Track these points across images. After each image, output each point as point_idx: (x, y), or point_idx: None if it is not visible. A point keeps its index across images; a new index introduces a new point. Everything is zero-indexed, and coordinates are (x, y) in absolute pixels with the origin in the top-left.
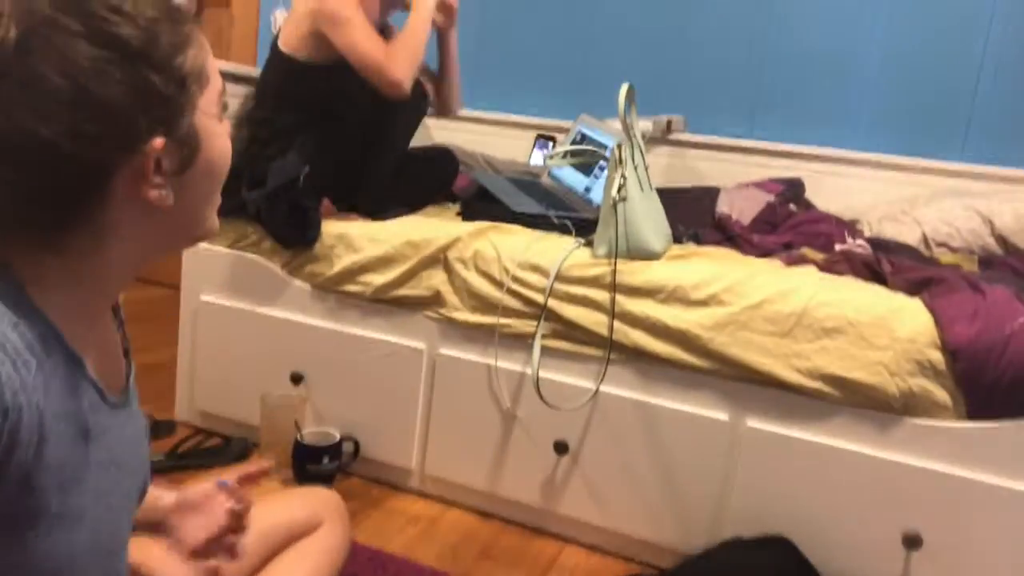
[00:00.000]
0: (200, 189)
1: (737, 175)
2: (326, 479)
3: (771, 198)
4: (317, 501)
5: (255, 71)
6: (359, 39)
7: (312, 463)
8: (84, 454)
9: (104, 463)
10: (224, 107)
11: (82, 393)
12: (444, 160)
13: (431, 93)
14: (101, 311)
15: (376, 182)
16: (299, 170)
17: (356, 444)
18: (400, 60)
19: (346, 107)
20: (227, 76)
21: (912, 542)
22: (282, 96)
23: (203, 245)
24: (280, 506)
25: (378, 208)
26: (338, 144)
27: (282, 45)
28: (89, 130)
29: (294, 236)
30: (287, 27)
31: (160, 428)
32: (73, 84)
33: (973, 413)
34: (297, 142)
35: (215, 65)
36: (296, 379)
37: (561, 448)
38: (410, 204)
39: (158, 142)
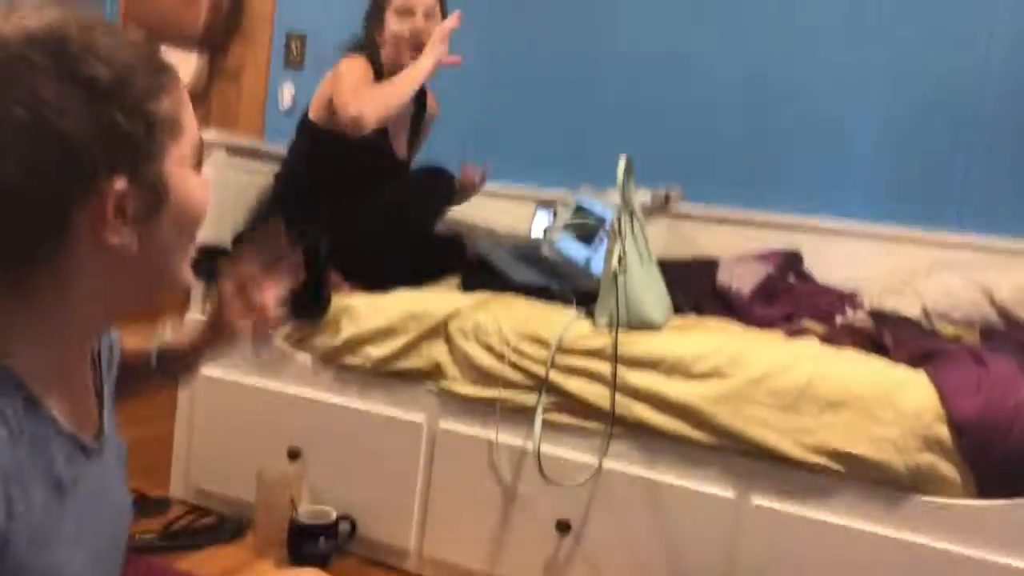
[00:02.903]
0: (169, 239)
1: (736, 246)
2: (322, 560)
3: (771, 269)
4: None
5: (262, 144)
6: (343, 87)
7: (308, 543)
8: (60, 510)
9: (83, 512)
10: (199, 160)
11: (55, 449)
12: (454, 246)
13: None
14: (72, 362)
15: (393, 262)
16: (319, 243)
17: (353, 523)
18: (369, 98)
19: (375, 179)
20: (234, 149)
21: None
22: (311, 167)
23: (205, 317)
24: None
25: (387, 286)
26: (361, 219)
27: (311, 116)
28: (45, 163)
29: (306, 309)
30: (314, 99)
31: (153, 506)
32: (34, 116)
33: (983, 489)
34: (321, 213)
35: (192, 115)
36: (293, 454)
37: (563, 527)
38: (415, 284)
39: (119, 184)
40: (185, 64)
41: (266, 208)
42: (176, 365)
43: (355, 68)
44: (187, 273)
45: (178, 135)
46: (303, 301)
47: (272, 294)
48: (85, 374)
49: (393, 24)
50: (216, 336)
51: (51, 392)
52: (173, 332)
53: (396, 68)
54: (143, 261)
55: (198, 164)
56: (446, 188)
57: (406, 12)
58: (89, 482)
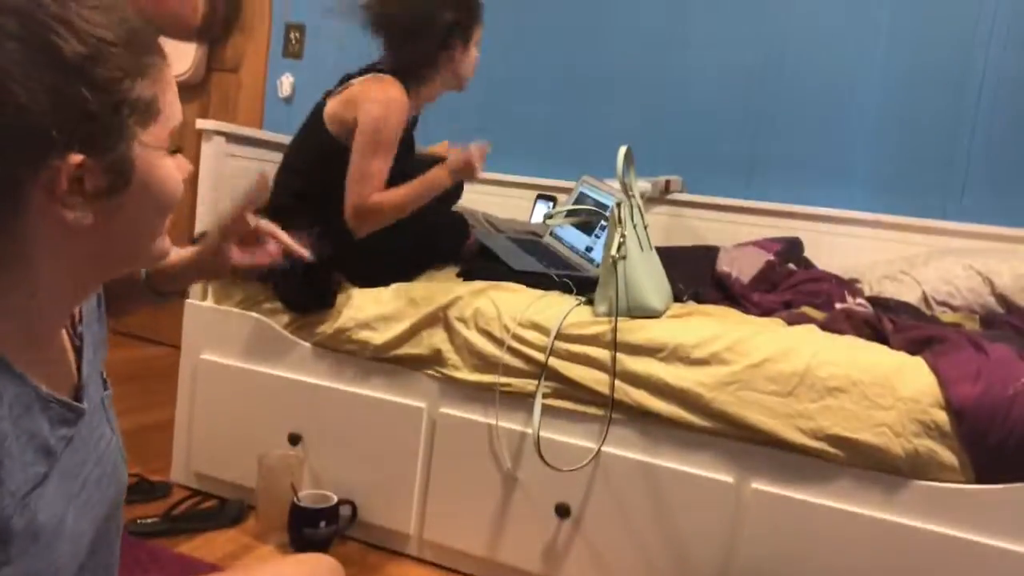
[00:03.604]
0: (134, 219)
1: (735, 234)
2: (323, 544)
3: (770, 257)
4: (315, 569)
5: (261, 133)
6: (363, 162)
7: (309, 527)
8: (47, 472)
9: (72, 470)
10: (178, 149)
11: (38, 413)
12: (456, 227)
13: None
14: (48, 333)
15: (394, 266)
16: (323, 250)
17: (353, 507)
18: (376, 214)
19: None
20: (233, 138)
21: None
22: (321, 171)
23: (206, 303)
24: (275, 573)
25: (389, 281)
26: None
27: (327, 118)
28: None
29: (310, 302)
30: (336, 101)
31: (155, 490)
32: None
33: (980, 475)
34: (323, 222)
35: (174, 101)
36: (294, 439)
37: (563, 511)
38: (418, 270)
39: (74, 159)
40: (184, 55)
41: (273, 208)
42: (165, 284)
43: (388, 129)
44: (160, 246)
45: (152, 118)
46: (306, 297)
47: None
48: (62, 338)
49: (472, 55)
50: (202, 267)
51: (27, 359)
52: None
53: (431, 99)
54: (107, 239)
55: (176, 150)
56: (453, 188)
57: (477, 44)
58: (77, 440)
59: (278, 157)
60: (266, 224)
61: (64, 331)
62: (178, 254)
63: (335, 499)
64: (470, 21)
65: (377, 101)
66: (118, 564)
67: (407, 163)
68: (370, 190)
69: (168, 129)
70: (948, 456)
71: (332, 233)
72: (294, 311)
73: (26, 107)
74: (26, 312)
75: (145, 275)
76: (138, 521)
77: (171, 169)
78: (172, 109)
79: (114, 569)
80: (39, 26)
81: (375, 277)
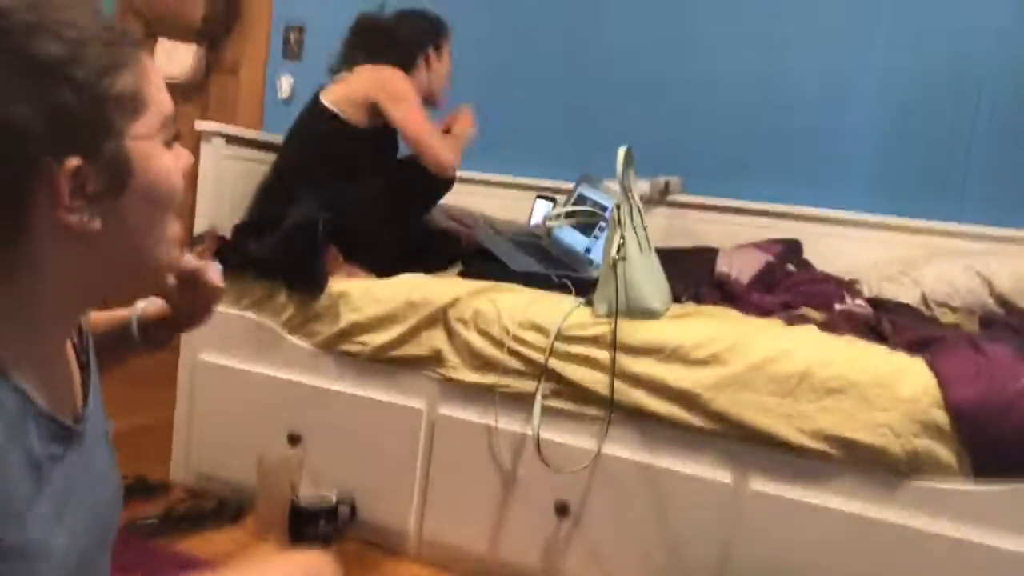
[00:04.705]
0: (140, 217)
1: (735, 235)
2: (322, 543)
3: (770, 258)
4: (315, 567)
5: (261, 135)
6: (419, 120)
7: (308, 526)
8: (37, 488)
9: (64, 493)
10: (175, 135)
11: (33, 429)
12: (451, 241)
13: None
14: (51, 346)
15: (389, 244)
16: (320, 214)
17: (353, 507)
18: (452, 148)
19: (376, 169)
20: (233, 139)
21: None
22: (319, 148)
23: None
24: (276, 572)
25: (384, 270)
26: (361, 200)
27: (330, 103)
28: None
29: (302, 280)
30: (338, 88)
31: (154, 490)
32: None
33: (980, 474)
34: (322, 191)
35: (160, 89)
36: (294, 439)
37: (562, 510)
38: (410, 261)
39: (72, 162)
40: (183, 56)
41: (270, 185)
42: (158, 333)
43: (416, 95)
44: (168, 253)
45: (140, 110)
46: (299, 274)
47: (214, 273)
48: (66, 356)
49: (446, 62)
50: (176, 319)
51: (28, 375)
52: (150, 302)
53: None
54: (113, 241)
55: (172, 139)
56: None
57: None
58: (70, 463)
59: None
60: (188, 261)
61: (71, 349)
62: (160, 303)
63: (334, 498)
64: (439, 38)
65: (385, 78)
66: None
67: (390, 165)
68: (434, 138)
69: (159, 118)
70: (947, 456)
71: (334, 208)
72: (287, 288)
73: (13, 122)
74: (32, 325)
75: (137, 326)
76: (137, 521)
77: (169, 162)
78: (158, 97)
79: None
80: (13, 36)
81: (370, 257)
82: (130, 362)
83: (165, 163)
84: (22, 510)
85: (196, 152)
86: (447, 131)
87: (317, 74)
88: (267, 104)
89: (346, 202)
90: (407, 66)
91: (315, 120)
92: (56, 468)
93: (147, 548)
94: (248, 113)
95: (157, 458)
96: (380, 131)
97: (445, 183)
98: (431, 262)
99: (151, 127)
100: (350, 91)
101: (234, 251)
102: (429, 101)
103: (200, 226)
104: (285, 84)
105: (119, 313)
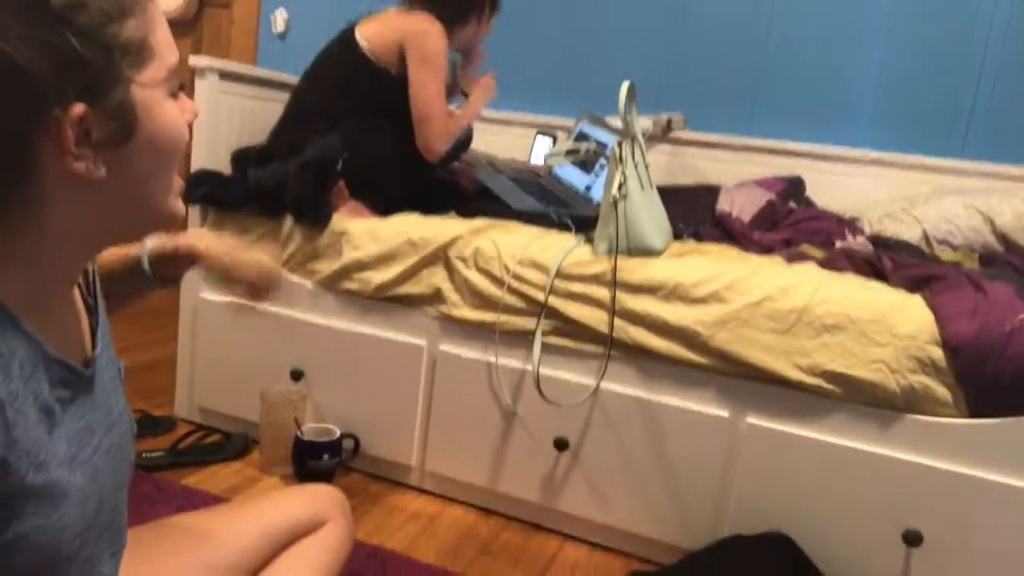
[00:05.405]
0: (145, 165)
1: (737, 173)
2: (326, 475)
3: (771, 196)
4: (320, 499)
5: (255, 70)
6: (432, 94)
7: (312, 459)
8: (50, 432)
9: (78, 434)
10: (180, 86)
11: (42, 374)
12: (453, 189)
13: None
14: (58, 292)
15: (399, 188)
16: (340, 151)
17: (356, 440)
18: (446, 136)
19: (402, 114)
20: (227, 75)
21: (912, 539)
22: (345, 85)
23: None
24: (282, 504)
25: (387, 212)
26: (381, 143)
27: (363, 41)
28: None
29: (309, 213)
30: (372, 26)
31: (160, 424)
32: None
33: (974, 410)
34: (343, 127)
35: (166, 39)
36: (296, 376)
37: (561, 445)
38: (415, 199)
39: (77, 109)
40: None
41: (290, 115)
42: (167, 270)
43: (442, 62)
44: (173, 204)
45: (147, 59)
46: (308, 206)
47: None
48: (74, 301)
49: (490, 27)
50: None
51: (38, 319)
52: (157, 238)
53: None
54: (118, 189)
55: (178, 88)
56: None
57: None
58: (82, 406)
59: (272, 95)
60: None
61: (78, 294)
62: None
63: (337, 432)
64: (495, 2)
65: (423, 32)
66: (126, 529)
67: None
68: (439, 116)
69: (165, 68)
70: (943, 392)
71: (355, 146)
72: (294, 217)
73: (19, 66)
74: (40, 270)
75: (148, 263)
76: (143, 454)
77: (174, 112)
78: (165, 47)
79: (124, 534)
80: None
81: (375, 198)
82: (132, 302)
83: (171, 113)
84: (40, 452)
85: (190, 88)
86: (463, 93)
87: (312, 8)
88: (262, 38)
89: (367, 142)
90: (460, 19)
91: (345, 52)
92: (68, 411)
93: (154, 482)
94: (242, 48)
95: (161, 393)
96: (408, 78)
97: (464, 143)
98: (432, 210)
99: (157, 76)
100: (385, 30)
101: (231, 183)
102: (465, 56)
103: (196, 164)
104: (280, 18)
105: (131, 251)
